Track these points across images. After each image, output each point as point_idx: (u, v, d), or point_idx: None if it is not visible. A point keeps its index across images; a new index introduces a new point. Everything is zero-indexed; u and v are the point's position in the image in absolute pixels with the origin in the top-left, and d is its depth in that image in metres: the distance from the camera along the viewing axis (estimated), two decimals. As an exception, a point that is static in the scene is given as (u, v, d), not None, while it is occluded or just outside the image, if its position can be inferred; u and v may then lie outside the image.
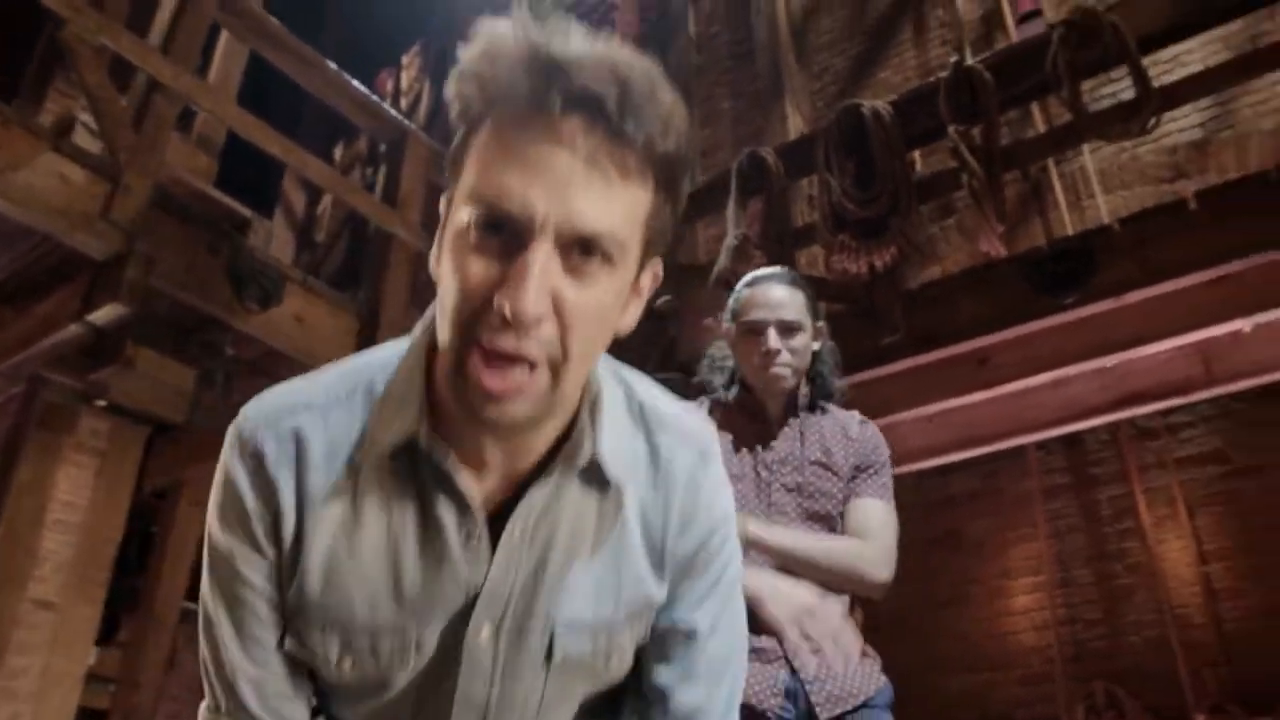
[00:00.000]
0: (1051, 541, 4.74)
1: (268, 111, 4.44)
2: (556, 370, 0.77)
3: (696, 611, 0.97)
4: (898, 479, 5.12)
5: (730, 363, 2.18)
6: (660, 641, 0.98)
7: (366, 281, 4.48)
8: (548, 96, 0.74)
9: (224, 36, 5.10)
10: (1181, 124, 5.00)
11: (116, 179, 3.62)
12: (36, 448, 4.38)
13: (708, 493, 0.98)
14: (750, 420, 2.10)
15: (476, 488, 0.87)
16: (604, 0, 7.90)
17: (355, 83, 4.49)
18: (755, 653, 1.81)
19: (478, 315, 0.74)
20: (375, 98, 4.66)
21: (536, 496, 0.87)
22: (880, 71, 5.97)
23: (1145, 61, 4.01)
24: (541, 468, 0.88)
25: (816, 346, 2.11)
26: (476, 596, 0.88)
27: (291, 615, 0.89)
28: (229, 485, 0.87)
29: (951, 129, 4.19)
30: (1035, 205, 5.12)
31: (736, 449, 2.08)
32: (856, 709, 1.81)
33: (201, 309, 3.86)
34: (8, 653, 4.17)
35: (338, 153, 7.59)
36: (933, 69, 5.81)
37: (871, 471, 2.05)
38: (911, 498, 5.17)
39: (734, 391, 2.15)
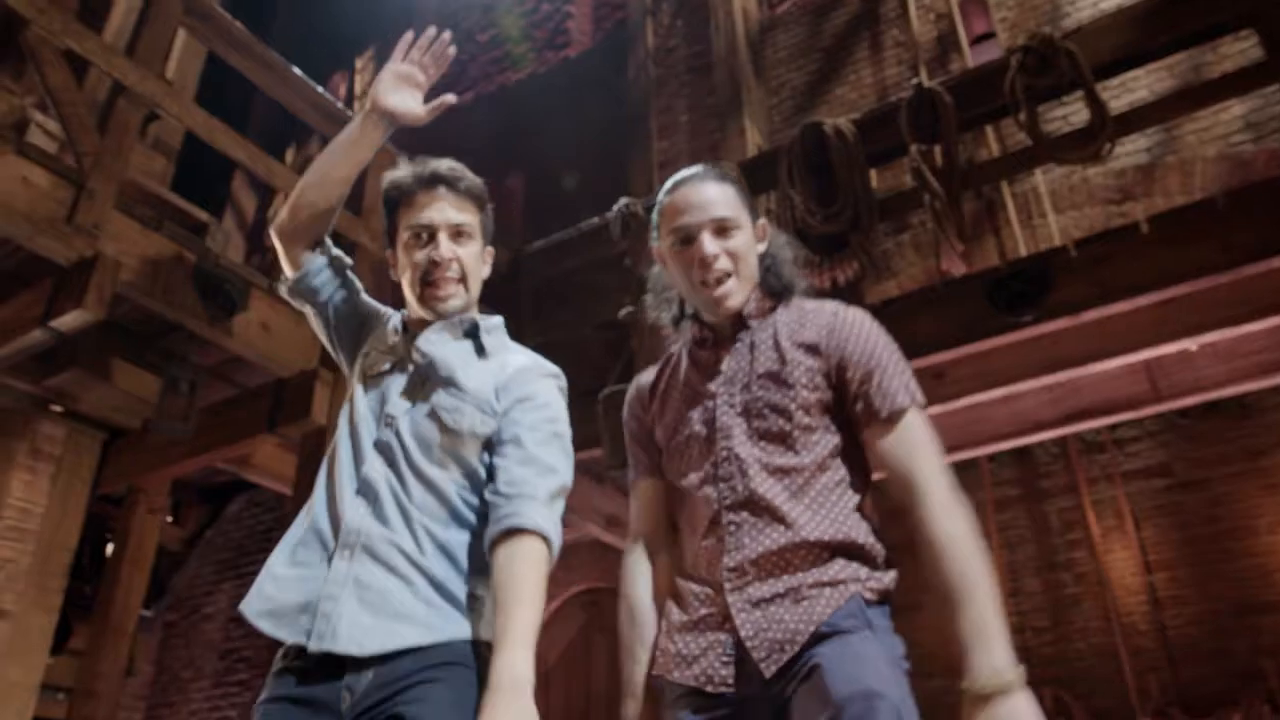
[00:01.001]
0: (1002, 552, 4.86)
1: (218, 114, 4.40)
2: (464, 282, 1.78)
3: (523, 431, 1.66)
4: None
5: (674, 292, 1.84)
6: (499, 444, 1.68)
7: (331, 289, 4.45)
8: (433, 182, 1.78)
9: (181, 38, 5.03)
10: (1129, 148, 5.18)
11: (81, 183, 3.56)
12: (-11, 455, 4.30)
13: (535, 378, 1.76)
14: (701, 351, 1.80)
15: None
16: (559, 9, 7.92)
17: (321, 89, 4.47)
18: (696, 623, 1.59)
19: (423, 271, 1.74)
20: (341, 105, 4.64)
21: (438, 330, 1.78)
22: (837, 88, 6.08)
23: (1095, 86, 4.16)
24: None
25: (762, 248, 1.78)
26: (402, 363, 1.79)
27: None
28: None
29: (913, 149, 4.30)
30: (989, 223, 5.26)
31: (685, 388, 1.78)
32: (808, 646, 1.46)
33: (166, 316, 3.81)
34: (-44, 663, 4.08)
35: (289, 156, 7.47)
36: (889, 87, 5.94)
37: (873, 376, 1.62)
38: (867, 508, 5.26)
39: (686, 329, 1.83)
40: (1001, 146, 5.28)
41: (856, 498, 1.65)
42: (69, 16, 3.67)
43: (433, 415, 1.67)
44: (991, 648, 1.40)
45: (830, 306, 1.74)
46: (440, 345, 1.74)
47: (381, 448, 1.66)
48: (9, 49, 3.94)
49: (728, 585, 1.56)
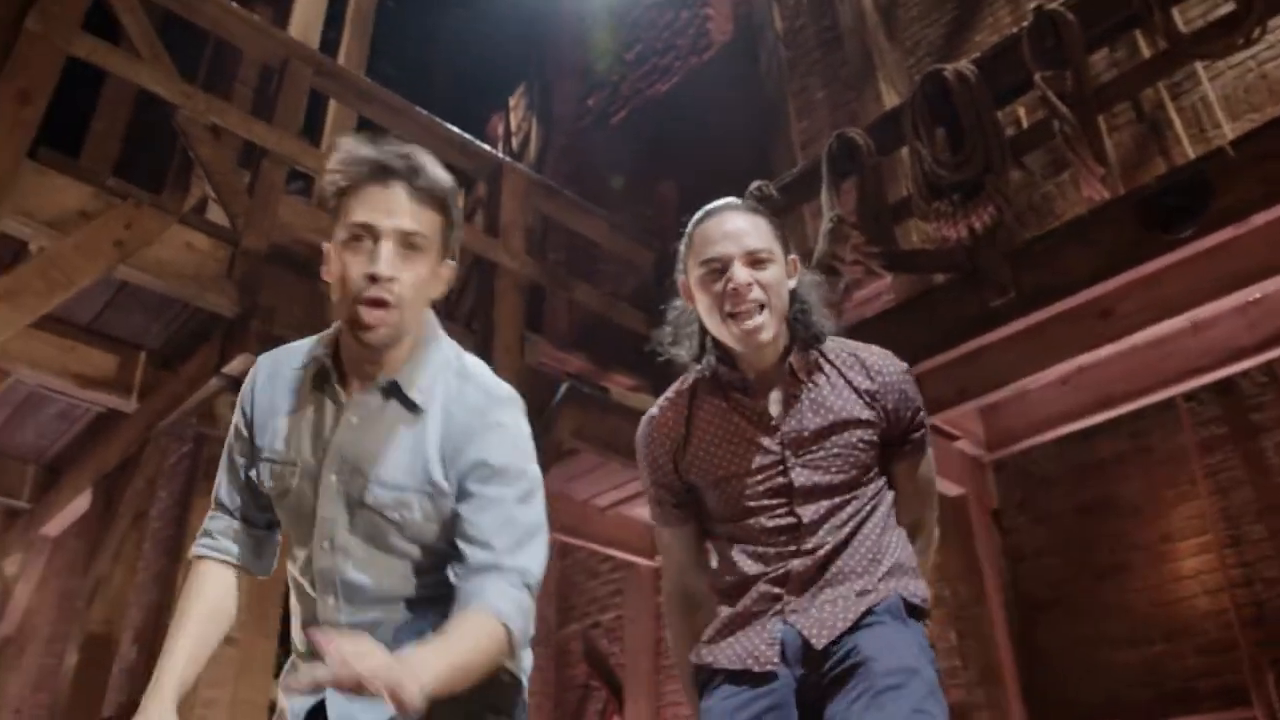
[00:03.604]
0: (1215, 498, 4.36)
1: None
2: (400, 308, 1.42)
3: (481, 514, 1.44)
4: (1039, 450, 4.85)
5: (695, 326, 1.83)
6: (459, 524, 1.46)
7: (479, 310, 4.69)
8: (387, 174, 1.42)
9: (332, 105, 5.48)
10: (1314, 31, 4.60)
11: (236, 241, 3.94)
12: (206, 498, 4.79)
13: (491, 429, 1.49)
14: (741, 397, 1.79)
15: (345, 390, 1.54)
16: (697, 14, 7.99)
17: (446, 124, 4.74)
18: (748, 615, 1.73)
19: (358, 285, 1.41)
20: (466, 135, 4.89)
21: (367, 400, 1.52)
22: (975, 35, 5.77)
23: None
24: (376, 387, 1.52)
25: (793, 284, 1.77)
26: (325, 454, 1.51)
27: (257, 457, 1.57)
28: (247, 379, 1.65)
29: (1037, 76, 4.04)
30: (1155, 145, 4.82)
31: (733, 437, 1.78)
32: (853, 629, 1.64)
33: (323, 352, 4.14)
34: (200, 685, 4.55)
35: (459, 199, 7.94)
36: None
37: (910, 428, 1.81)
38: (1055, 466, 4.90)
39: (707, 363, 1.82)
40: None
41: (895, 525, 1.82)
42: (211, 97, 4.09)
43: (368, 514, 1.48)
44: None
45: (874, 355, 1.84)
46: (360, 430, 1.50)
47: (324, 578, 1.51)
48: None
49: (788, 598, 1.71)
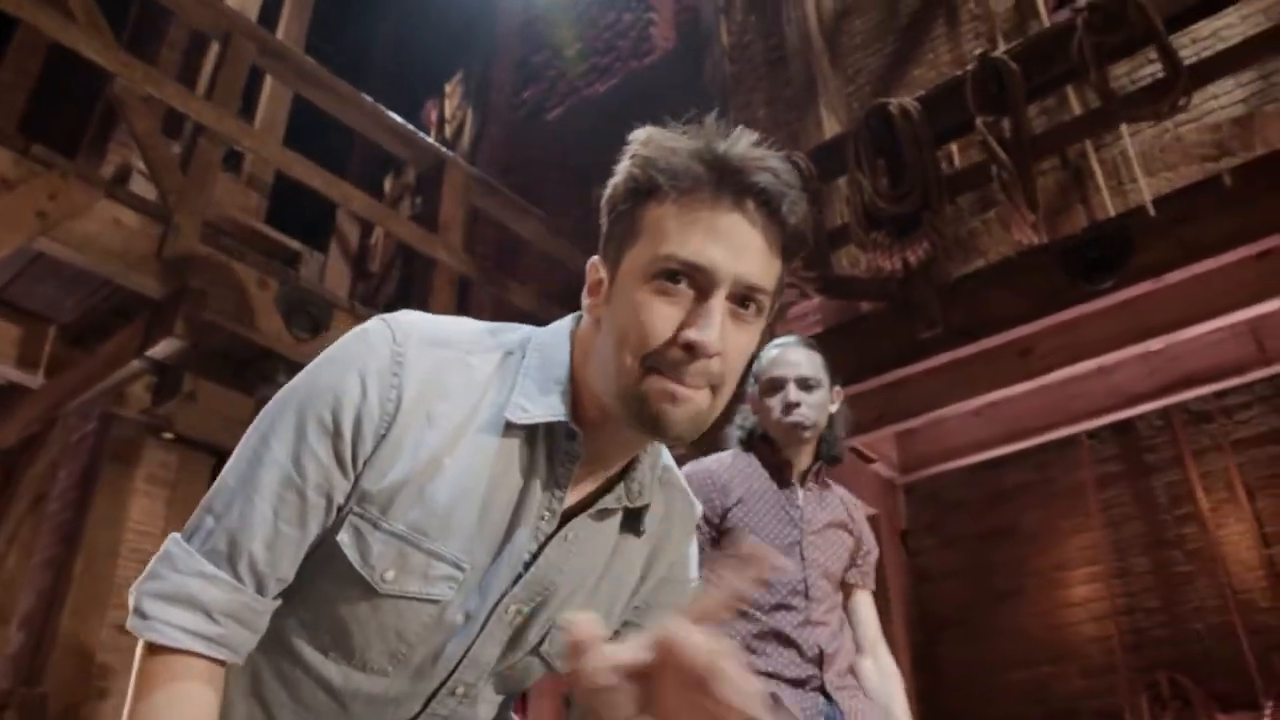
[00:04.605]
0: (1107, 531, 4.64)
1: (321, 150, 4.60)
2: (721, 393, 0.92)
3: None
4: (951, 474, 5.05)
5: (749, 422, 2.38)
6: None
7: (412, 304, 4.62)
8: (743, 191, 0.89)
9: (269, 81, 5.30)
10: (1224, 100, 4.90)
11: (167, 220, 3.79)
12: (110, 481, 4.60)
13: (693, 552, 1.19)
14: (773, 471, 2.32)
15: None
16: (641, 18, 7.99)
17: (390, 113, 4.65)
18: (795, 681, 2.10)
19: (661, 350, 0.88)
20: (410, 127, 4.80)
21: (591, 516, 1.01)
22: (914, 69, 5.94)
23: (1180, 38, 3.94)
24: (603, 491, 1.02)
25: (834, 409, 2.33)
26: (519, 577, 0.98)
27: (359, 514, 0.93)
28: (356, 368, 0.94)
29: (979, 120, 4.19)
30: (1077, 192, 5.05)
31: (768, 500, 2.29)
32: None
33: (254, 340, 4.02)
34: (94, 676, 4.38)
35: (388, 184, 7.79)
36: (967, 63, 5.76)
37: (868, 557, 2.40)
38: (964, 493, 5.12)
39: (750, 444, 2.36)
40: (1085, 109, 5.07)
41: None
42: (150, 68, 3.92)
43: (531, 659, 1.07)
44: None
45: (850, 495, 2.47)
46: (570, 550, 1.01)
47: None
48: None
49: (825, 667, 2.13)
